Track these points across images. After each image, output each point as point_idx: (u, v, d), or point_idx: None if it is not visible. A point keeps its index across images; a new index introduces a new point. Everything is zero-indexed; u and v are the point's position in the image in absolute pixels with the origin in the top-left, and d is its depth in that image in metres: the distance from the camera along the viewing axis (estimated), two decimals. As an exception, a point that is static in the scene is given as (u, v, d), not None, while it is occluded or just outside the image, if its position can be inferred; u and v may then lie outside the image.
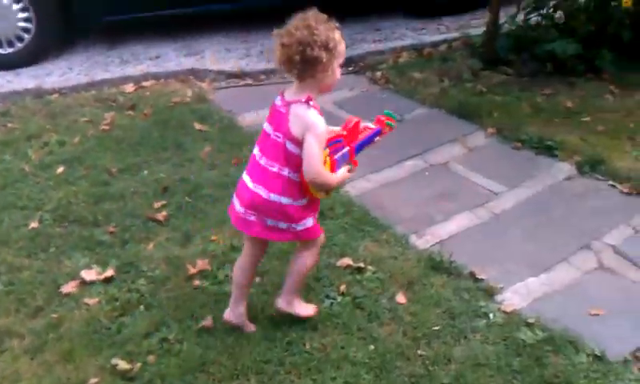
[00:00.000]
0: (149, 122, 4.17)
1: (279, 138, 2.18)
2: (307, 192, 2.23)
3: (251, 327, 2.47)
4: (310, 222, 2.29)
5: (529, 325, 2.45)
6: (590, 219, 3.10)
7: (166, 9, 5.50)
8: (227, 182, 3.39)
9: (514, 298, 2.63)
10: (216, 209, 3.20)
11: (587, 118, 3.91)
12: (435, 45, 5.29)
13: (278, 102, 2.23)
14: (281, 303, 2.46)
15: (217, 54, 5.32)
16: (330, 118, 4.10)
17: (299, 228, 2.26)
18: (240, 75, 4.93)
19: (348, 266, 2.77)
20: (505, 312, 2.52)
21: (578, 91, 4.28)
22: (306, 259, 2.40)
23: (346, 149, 2.32)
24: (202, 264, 2.81)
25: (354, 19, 5.86)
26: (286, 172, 2.19)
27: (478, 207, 3.24)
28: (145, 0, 5.37)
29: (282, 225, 2.24)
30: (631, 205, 3.18)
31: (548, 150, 3.65)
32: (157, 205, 3.27)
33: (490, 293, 2.63)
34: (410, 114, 4.22)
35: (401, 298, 2.59)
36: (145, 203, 3.31)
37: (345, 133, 2.32)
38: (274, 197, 2.20)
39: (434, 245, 2.97)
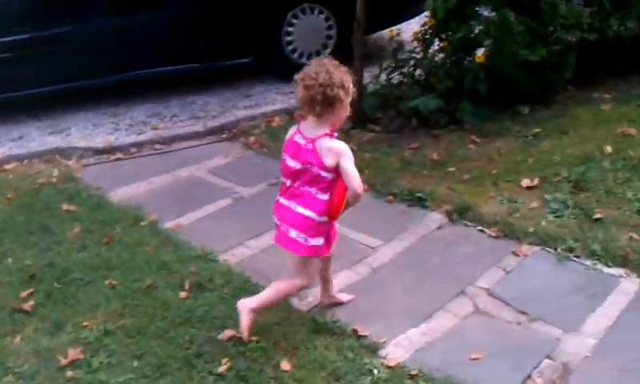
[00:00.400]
0: (12, 207, 3.94)
1: (313, 169, 2.52)
2: (334, 211, 2.57)
3: (345, 297, 2.94)
4: (319, 241, 2.62)
5: (412, 377, 2.48)
6: (464, 265, 3.21)
7: (30, 88, 5.31)
8: (98, 263, 3.25)
9: (397, 351, 2.66)
10: (87, 293, 3.05)
11: (453, 168, 4.09)
12: (306, 107, 5.38)
13: (300, 139, 2.55)
14: (247, 303, 2.69)
15: (84, 131, 5.16)
16: (206, 187, 4.18)
17: (312, 243, 2.60)
18: (110, 150, 4.79)
19: (231, 338, 2.70)
20: (389, 366, 2.54)
21: (442, 143, 4.48)
22: (296, 279, 2.70)
23: None
24: (74, 353, 2.64)
25: (224, 86, 5.90)
26: (320, 195, 2.55)
27: (357, 263, 3.28)
28: (6, 80, 5.16)
29: (304, 239, 2.59)
30: (500, 247, 3.33)
31: (419, 201, 3.77)
32: (23, 294, 3.07)
33: (373, 349, 2.65)
34: (285, 176, 4.26)
35: (285, 365, 2.55)
36: (10, 293, 3.09)
37: None
38: (300, 210, 2.56)
39: (316, 306, 2.96)
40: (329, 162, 2.50)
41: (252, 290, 3.03)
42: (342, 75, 2.49)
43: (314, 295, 3.03)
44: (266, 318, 2.82)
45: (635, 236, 3.23)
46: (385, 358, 2.60)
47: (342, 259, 3.29)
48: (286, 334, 2.73)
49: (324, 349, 2.64)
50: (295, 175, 2.57)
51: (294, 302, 2.98)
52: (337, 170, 2.52)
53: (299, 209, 2.57)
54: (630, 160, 3.92)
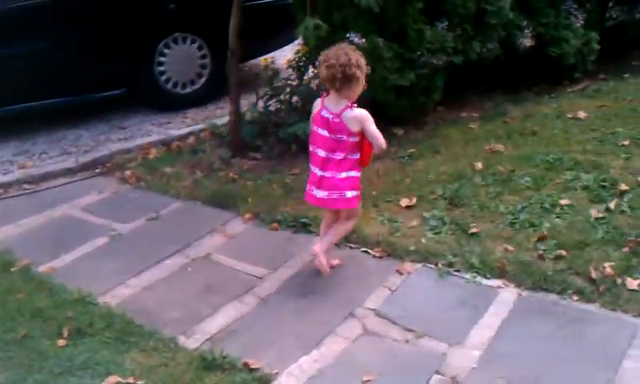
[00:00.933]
0: None
1: (343, 137, 3.06)
2: (365, 165, 3.19)
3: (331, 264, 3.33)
4: (355, 193, 3.17)
5: (307, 406, 2.46)
6: (351, 287, 3.24)
7: None
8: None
9: (289, 380, 2.62)
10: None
11: (334, 192, 4.14)
12: (183, 138, 5.28)
13: (327, 114, 3.07)
14: (319, 249, 3.18)
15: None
16: (80, 225, 3.99)
17: (357, 192, 3.19)
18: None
19: (115, 384, 2.57)
20: (283, 398, 2.50)
21: (322, 167, 4.53)
22: (348, 225, 3.31)
23: None
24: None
25: (96, 119, 5.68)
26: (353, 155, 3.11)
27: (245, 295, 3.22)
28: None
29: (348, 194, 3.14)
30: (384, 267, 3.39)
31: (304, 227, 3.78)
32: None
33: (265, 381, 2.60)
34: (165, 209, 4.14)
35: (176, 408, 2.45)
36: None
37: None
38: (344, 175, 3.11)
39: (204, 342, 2.87)
40: (355, 128, 3.05)
41: (136, 331, 2.90)
42: (357, 57, 3.00)
43: (201, 331, 2.94)
44: (150, 359, 2.71)
45: (510, 247, 3.39)
46: (278, 389, 2.56)
47: (228, 291, 3.23)
48: (174, 375, 2.63)
49: (216, 386, 2.56)
50: (328, 144, 3.09)
51: (181, 340, 2.88)
52: (361, 133, 3.07)
53: (343, 175, 3.12)
54: (499, 175, 4.12)
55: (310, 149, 3.21)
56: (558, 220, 3.61)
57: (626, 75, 5.69)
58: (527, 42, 5.85)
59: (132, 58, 5.65)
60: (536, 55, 5.52)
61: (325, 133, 3.10)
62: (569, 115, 4.87)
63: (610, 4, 6.20)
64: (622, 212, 3.60)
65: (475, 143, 4.63)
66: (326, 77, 3.01)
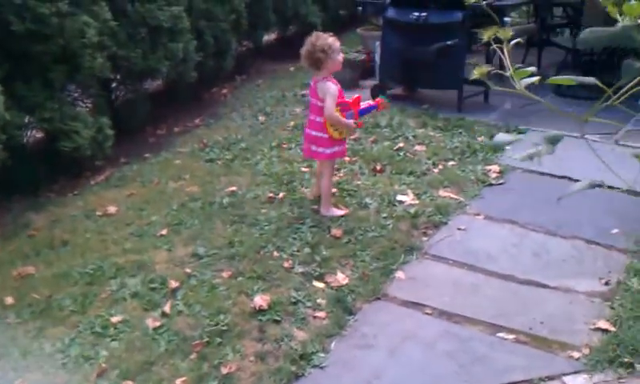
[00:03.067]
0: None
1: (313, 100, 4.16)
2: (328, 130, 4.13)
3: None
4: (334, 149, 4.21)
5: None
6: None
7: None
8: None
9: None
10: None
11: None
12: None
13: (312, 84, 4.15)
14: (323, 211, 4.25)
15: None
16: None
17: (328, 151, 4.19)
18: None
19: None
20: None
21: None
22: (325, 177, 4.25)
23: (352, 111, 4.16)
24: None
25: None
26: (319, 119, 4.14)
27: None
28: None
29: (320, 149, 4.18)
30: None
31: None
32: None
33: None
34: None
35: None
36: None
37: (350, 101, 4.16)
38: (314, 133, 4.20)
39: None
40: (320, 94, 4.06)
41: None
42: (323, 42, 4.02)
43: None
44: None
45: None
46: None
47: None
48: None
49: None
50: (310, 107, 4.20)
51: None
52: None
53: (314, 133, 4.17)
54: (36, 305, 3.51)
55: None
56: (114, 343, 3.20)
57: (146, 155, 5.60)
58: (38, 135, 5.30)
59: None
60: (49, 151, 5.00)
61: (311, 99, 4.18)
62: (98, 213, 4.50)
63: (114, 84, 6.07)
64: (180, 313, 3.38)
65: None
66: (302, 60, 4.13)
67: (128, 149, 5.75)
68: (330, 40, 4.08)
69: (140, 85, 6.16)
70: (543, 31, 7.71)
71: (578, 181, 4.52)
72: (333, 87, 4.07)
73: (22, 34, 4.59)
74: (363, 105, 4.29)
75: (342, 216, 4.21)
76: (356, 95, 4.27)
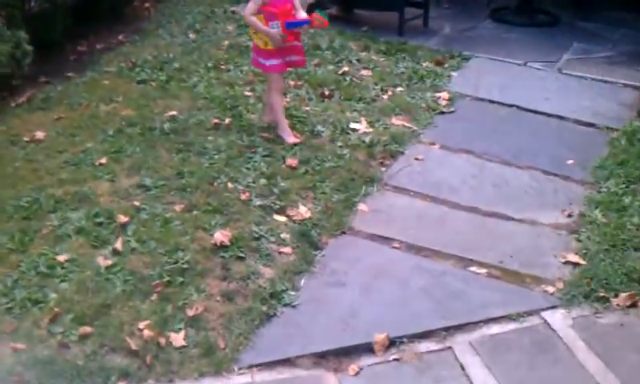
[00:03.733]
0: None
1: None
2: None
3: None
4: (269, 62, 3.98)
5: None
6: None
7: None
8: None
9: None
10: None
11: None
12: None
13: None
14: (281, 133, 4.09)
15: None
16: None
17: (260, 61, 4.06)
18: None
19: None
20: None
21: None
22: (271, 94, 4.10)
23: (278, 21, 3.81)
24: None
25: None
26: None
27: None
28: None
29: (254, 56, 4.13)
30: None
31: None
32: None
33: None
34: None
35: None
36: None
37: (277, 10, 3.80)
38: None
39: None
40: None
41: None
42: None
43: None
44: None
45: (20, 345, 2.58)
46: None
47: None
48: None
49: None
50: None
51: None
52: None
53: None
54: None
55: None
56: (64, 284, 2.92)
57: (69, 74, 5.10)
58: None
59: None
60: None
61: None
62: (26, 138, 4.07)
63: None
64: (133, 250, 3.12)
65: None
66: None
67: (47, 67, 5.23)
68: None
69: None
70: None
71: (526, 110, 4.61)
72: None
73: None
74: (296, 18, 3.90)
75: (296, 144, 3.99)
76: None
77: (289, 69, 4.25)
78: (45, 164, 3.80)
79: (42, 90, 4.82)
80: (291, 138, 4.03)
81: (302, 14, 3.93)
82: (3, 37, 4.58)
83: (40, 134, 4.11)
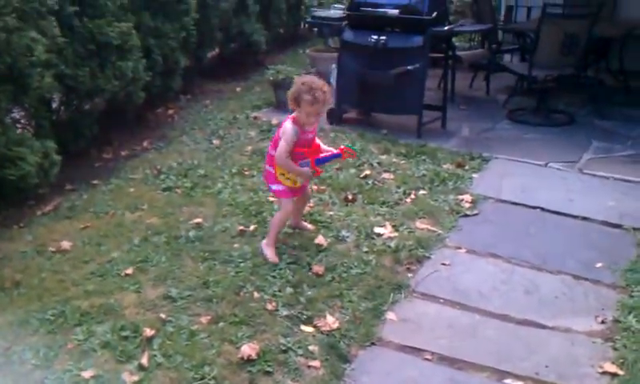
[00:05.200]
0: None
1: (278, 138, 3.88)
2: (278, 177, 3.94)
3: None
4: (279, 187, 3.94)
5: None
6: None
7: None
8: None
9: None
10: None
11: None
12: None
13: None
14: (262, 243, 3.99)
15: None
16: None
17: (273, 188, 4.01)
18: None
19: None
20: None
21: None
22: (277, 215, 4.04)
23: (308, 160, 3.87)
24: None
25: None
26: (272, 152, 3.91)
27: None
28: None
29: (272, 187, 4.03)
30: None
31: None
32: None
33: None
34: None
35: None
36: None
37: (306, 149, 3.87)
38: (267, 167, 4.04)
39: None
40: (280, 133, 3.86)
41: None
42: (293, 89, 3.81)
43: None
44: None
45: None
46: None
47: None
48: None
49: None
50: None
51: None
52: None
53: (266, 166, 4.05)
54: (-9, 360, 3.10)
55: None
56: (88, 403, 2.84)
57: (95, 181, 5.19)
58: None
59: None
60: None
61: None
62: (52, 249, 4.08)
63: (56, 105, 5.61)
64: (159, 365, 3.05)
65: None
66: None
67: (73, 174, 5.32)
68: (312, 83, 3.77)
69: (86, 105, 5.72)
70: (493, 56, 7.76)
71: (551, 211, 4.58)
72: (289, 131, 3.81)
73: (-38, 50, 4.15)
74: (325, 153, 3.97)
75: (274, 264, 3.87)
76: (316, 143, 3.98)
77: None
78: (71, 275, 3.80)
79: (68, 198, 4.89)
80: (272, 257, 3.92)
81: (327, 149, 4.02)
82: (32, 148, 4.67)
83: (66, 244, 4.12)
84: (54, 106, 5.60)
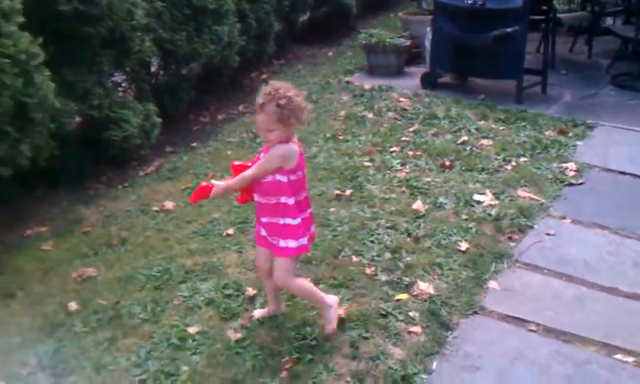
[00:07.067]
0: None
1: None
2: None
3: None
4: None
5: None
6: None
7: None
8: None
9: None
10: None
11: None
12: None
13: None
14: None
15: None
16: None
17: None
18: None
19: None
20: None
21: None
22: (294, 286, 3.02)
23: None
24: None
25: None
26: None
27: None
28: None
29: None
30: None
31: None
32: None
33: None
34: None
35: None
36: None
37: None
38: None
39: None
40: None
41: None
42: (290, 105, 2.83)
43: None
44: None
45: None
46: None
47: None
48: None
49: None
50: None
51: None
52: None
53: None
54: (103, 312, 3.24)
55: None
56: (195, 357, 2.93)
57: (194, 144, 5.31)
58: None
59: None
60: (92, 140, 4.69)
61: None
62: (155, 208, 4.22)
63: (155, 69, 5.74)
64: (261, 324, 3.11)
65: (58, 272, 3.61)
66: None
67: (172, 137, 5.47)
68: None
69: (183, 69, 5.83)
70: (595, 19, 7.38)
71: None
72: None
73: (69, 14, 4.27)
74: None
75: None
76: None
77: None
78: (174, 234, 3.91)
79: (169, 160, 5.02)
80: (332, 327, 3.00)
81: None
82: (134, 110, 4.81)
83: (169, 204, 4.24)
84: (153, 70, 5.74)
